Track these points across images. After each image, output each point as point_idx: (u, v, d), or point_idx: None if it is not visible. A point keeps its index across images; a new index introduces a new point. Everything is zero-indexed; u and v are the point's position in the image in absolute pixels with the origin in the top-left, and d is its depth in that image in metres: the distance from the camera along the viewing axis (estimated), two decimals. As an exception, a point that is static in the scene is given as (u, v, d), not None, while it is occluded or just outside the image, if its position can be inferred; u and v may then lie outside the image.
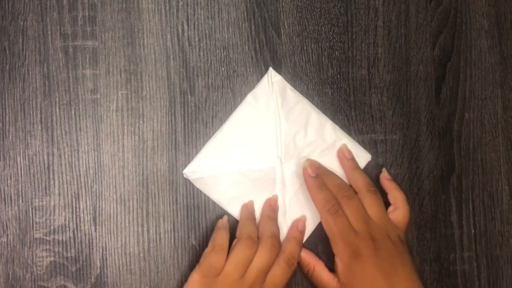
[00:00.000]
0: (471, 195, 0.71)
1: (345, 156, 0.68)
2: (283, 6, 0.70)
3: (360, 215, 0.63)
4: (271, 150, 0.67)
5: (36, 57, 0.66)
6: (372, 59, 0.71)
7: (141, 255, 0.66)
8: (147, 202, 0.66)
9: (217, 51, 0.69)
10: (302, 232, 0.66)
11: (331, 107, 0.70)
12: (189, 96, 0.68)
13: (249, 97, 0.68)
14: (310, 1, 0.70)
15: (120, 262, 0.65)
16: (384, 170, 0.69)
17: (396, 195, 0.66)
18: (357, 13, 0.71)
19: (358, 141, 0.69)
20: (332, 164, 0.68)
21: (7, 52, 0.66)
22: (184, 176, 0.66)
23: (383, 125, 0.70)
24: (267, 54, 0.69)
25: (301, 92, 0.69)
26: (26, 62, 0.66)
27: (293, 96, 0.68)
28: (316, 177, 0.65)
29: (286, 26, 0.70)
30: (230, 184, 0.67)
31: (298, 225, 0.66)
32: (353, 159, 0.68)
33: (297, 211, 0.67)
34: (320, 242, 0.68)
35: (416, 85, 0.71)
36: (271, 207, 0.66)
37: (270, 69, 0.69)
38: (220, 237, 0.63)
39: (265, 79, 0.68)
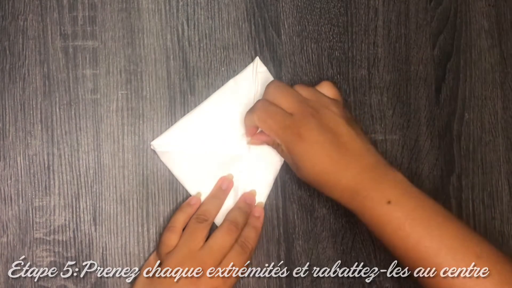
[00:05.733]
0: (471, 195, 0.71)
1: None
2: (283, 6, 0.70)
3: (292, 96, 0.62)
4: (242, 138, 0.67)
5: (36, 57, 0.66)
6: (372, 59, 0.71)
7: (141, 255, 0.66)
8: (147, 202, 0.66)
9: (217, 51, 0.69)
10: (259, 219, 0.66)
11: (331, 107, 0.70)
12: (189, 96, 0.68)
13: (231, 83, 0.68)
14: (310, 1, 0.70)
15: (120, 262, 0.65)
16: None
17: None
18: (357, 13, 0.71)
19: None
20: None
21: (7, 52, 0.66)
22: (151, 147, 0.66)
23: (383, 125, 0.70)
24: (267, 54, 0.69)
25: (301, 92, 0.69)
26: (26, 62, 0.66)
27: None
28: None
29: (286, 26, 0.70)
30: (195, 163, 0.66)
31: (255, 213, 0.66)
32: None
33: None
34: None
35: (416, 85, 0.71)
36: (245, 202, 0.66)
37: (257, 58, 0.68)
38: (176, 218, 0.64)
39: (250, 67, 0.68)
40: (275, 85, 0.63)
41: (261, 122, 0.62)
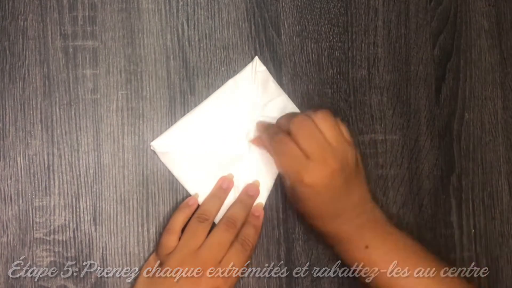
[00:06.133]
0: (471, 195, 0.71)
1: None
2: (283, 6, 0.70)
3: (313, 138, 0.59)
4: (242, 138, 0.67)
5: (36, 57, 0.66)
6: (372, 59, 0.71)
7: (141, 255, 0.66)
8: (147, 202, 0.66)
9: (217, 51, 0.69)
10: (259, 218, 0.66)
11: (331, 107, 0.70)
12: (189, 96, 0.68)
13: (230, 82, 0.68)
14: (310, 1, 0.70)
15: (120, 262, 0.65)
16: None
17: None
18: (357, 13, 0.71)
19: (358, 141, 0.69)
20: None
21: (7, 52, 0.66)
22: (151, 148, 0.66)
23: (383, 125, 0.70)
24: (267, 54, 0.69)
25: (301, 92, 0.69)
26: (26, 62, 0.66)
27: (274, 89, 0.68)
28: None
29: (286, 26, 0.70)
30: (195, 163, 0.66)
31: (255, 212, 0.66)
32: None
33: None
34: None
35: (416, 85, 0.71)
36: (247, 194, 0.66)
37: (256, 58, 0.68)
38: (175, 219, 0.64)
39: (249, 67, 0.68)
40: (301, 123, 0.60)
41: (275, 154, 0.63)
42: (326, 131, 0.60)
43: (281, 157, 0.61)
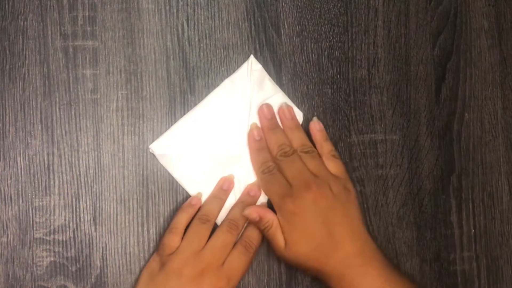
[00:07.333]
0: (471, 195, 0.71)
1: (285, 115, 0.67)
2: (283, 6, 0.70)
3: (296, 169, 0.63)
4: (240, 137, 0.67)
5: (36, 57, 0.66)
6: (372, 59, 0.71)
7: (141, 255, 0.66)
8: (147, 202, 0.66)
9: (217, 51, 0.69)
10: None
11: (331, 107, 0.70)
12: (189, 96, 0.68)
13: (227, 82, 0.68)
14: (310, 1, 0.70)
15: (120, 262, 0.65)
16: (314, 118, 0.68)
17: (323, 146, 0.66)
18: (357, 13, 0.71)
19: (358, 141, 0.70)
20: None
21: (7, 52, 0.66)
22: (150, 150, 0.66)
23: (383, 125, 0.70)
24: (267, 54, 0.69)
25: (301, 92, 0.69)
26: (26, 62, 0.66)
27: (271, 87, 0.68)
28: (259, 140, 0.66)
29: (286, 26, 0.70)
30: (194, 165, 0.66)
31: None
32: (293, 118, 0.67)
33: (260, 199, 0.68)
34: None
35: (416, 85, 0.71)
36: (249, 194, 0.66)
37: (251, 56, 0.68)
38: (178, 219, 0.64)
39: (244, 66, 0.68)
40: (289, 161, 0.65)
41: (263, 187, 0.65)
42: (308, 162, 0.64)
43: (270, 187, 0.64)
